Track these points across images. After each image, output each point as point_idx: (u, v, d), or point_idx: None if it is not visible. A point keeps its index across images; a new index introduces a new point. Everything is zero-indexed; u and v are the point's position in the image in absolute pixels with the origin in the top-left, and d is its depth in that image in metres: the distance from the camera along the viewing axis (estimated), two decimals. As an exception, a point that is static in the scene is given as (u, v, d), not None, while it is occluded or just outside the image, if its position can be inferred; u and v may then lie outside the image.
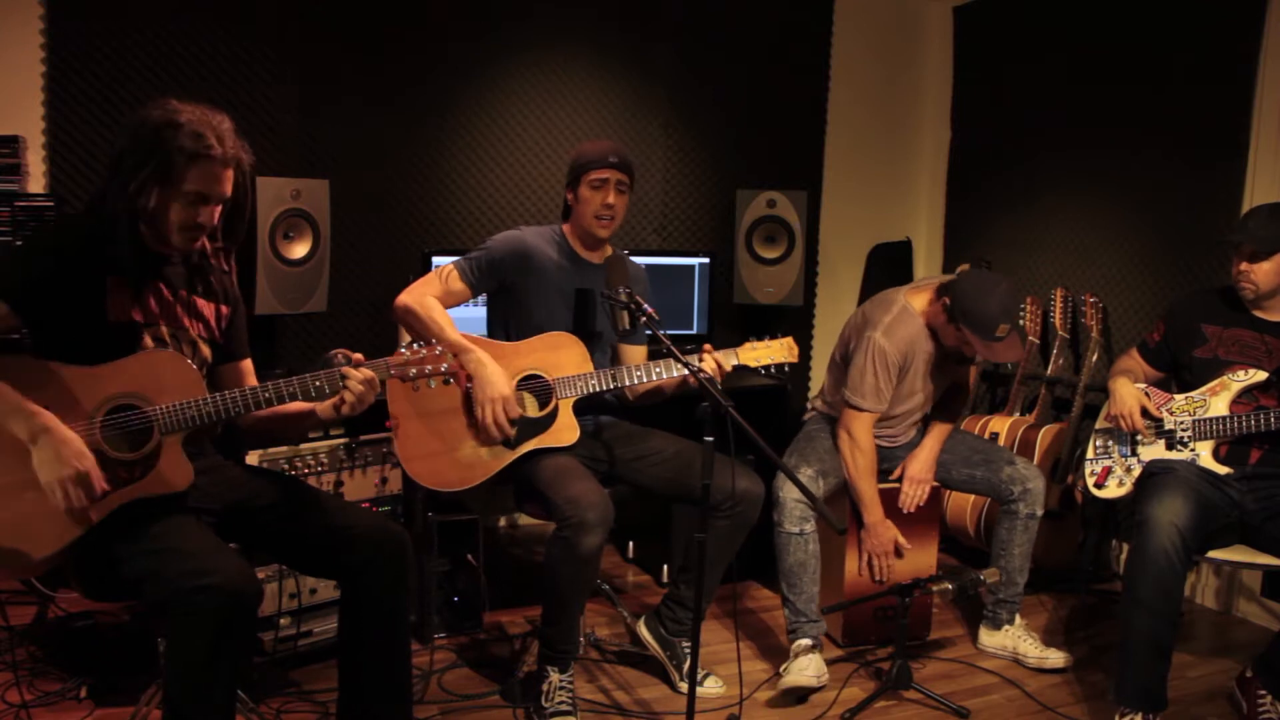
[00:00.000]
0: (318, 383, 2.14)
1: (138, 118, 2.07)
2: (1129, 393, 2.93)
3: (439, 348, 2.24)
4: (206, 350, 2.24)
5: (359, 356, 2.19)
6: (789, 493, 2.98)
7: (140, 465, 2.04)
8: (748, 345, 2.79)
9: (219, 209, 2.14)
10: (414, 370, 2.21)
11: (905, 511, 3.14)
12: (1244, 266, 2.78)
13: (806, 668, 2.89)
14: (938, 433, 3.21)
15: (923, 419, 3.27)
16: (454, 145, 4.04)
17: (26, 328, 2.04)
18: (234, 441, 2.73)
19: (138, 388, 2.06)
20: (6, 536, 1.95)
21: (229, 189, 2.12)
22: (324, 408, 2.23)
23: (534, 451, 2.73)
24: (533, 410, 2.74)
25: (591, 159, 2.81)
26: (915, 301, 3.05)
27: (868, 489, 3.05)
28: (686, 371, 2.44)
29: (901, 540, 3.12)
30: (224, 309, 2.31)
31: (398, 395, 2.67)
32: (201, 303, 2.25)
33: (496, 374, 2.65)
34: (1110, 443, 3.02)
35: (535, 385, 2.75)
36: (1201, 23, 3.68)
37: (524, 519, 4.38)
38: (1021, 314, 4.15)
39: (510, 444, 2.71)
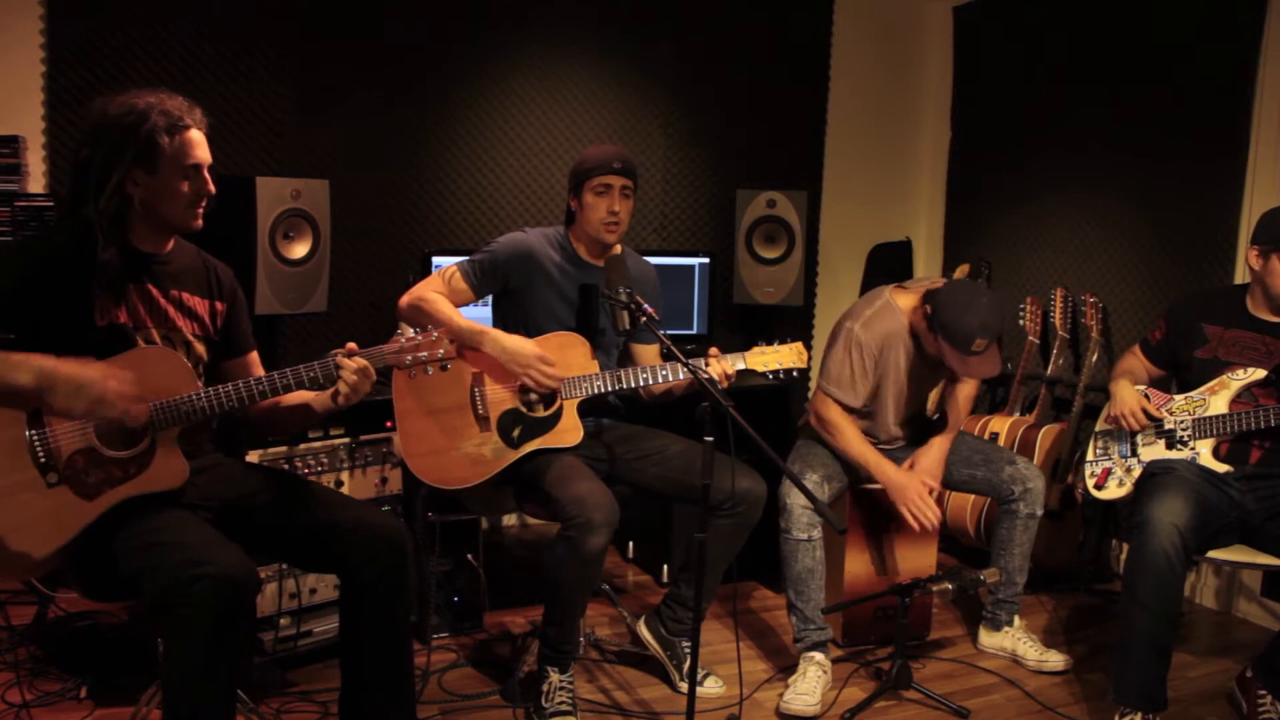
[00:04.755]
0: (312, 374, 2.13)
1: (93, 120, 2.07)
2: (1129, 394, 2.93)
3: (435, 334, 2.21)
4: (201, 348, 2.24)
5: (352, 345, 2.17)
6: (796, 499, 2.96)
7: (135, 463, 2.04)
8: (756, 349, 2.76)
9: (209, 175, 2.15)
10: (410, 357, 2.18)
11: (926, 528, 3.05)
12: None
13: (807, 694, 2.85)
14: (946, 435, 3.14)
15: (910, 423, 3.24)
16: (454, 145, 4.04)
17: (12, 333, 2.03)
18: (234, 440, 2.73)
19: None
20: (3, 539, 1.95)
21: (209, 152, 2.14)
22: (321, 400, 2.23)
23: (536, 451, 2.72)
24: (537, 410, 2.74)
25: (594, 165, 2.79)
26: (901, 300, 3.03)
27: (866, 453, 2.98)
28: (690, 371, 2.43)
29: (930, 480, 2.97)
30: (219, 305, 2.29)
31: (402, 391, 2.68)
32: (194, 300, 2.24)
33: (518, 341, 2.66)
34: (1110, 444, 3.02)
35: None
36: (1202, 22, 3.68)
37: (533, 518, 4.38)
38: (1021, 314, 4.15)
39: (514, 443, 2.71)
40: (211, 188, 2.14)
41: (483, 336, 2.67)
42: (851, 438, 3.00)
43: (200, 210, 2.15)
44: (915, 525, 2.97)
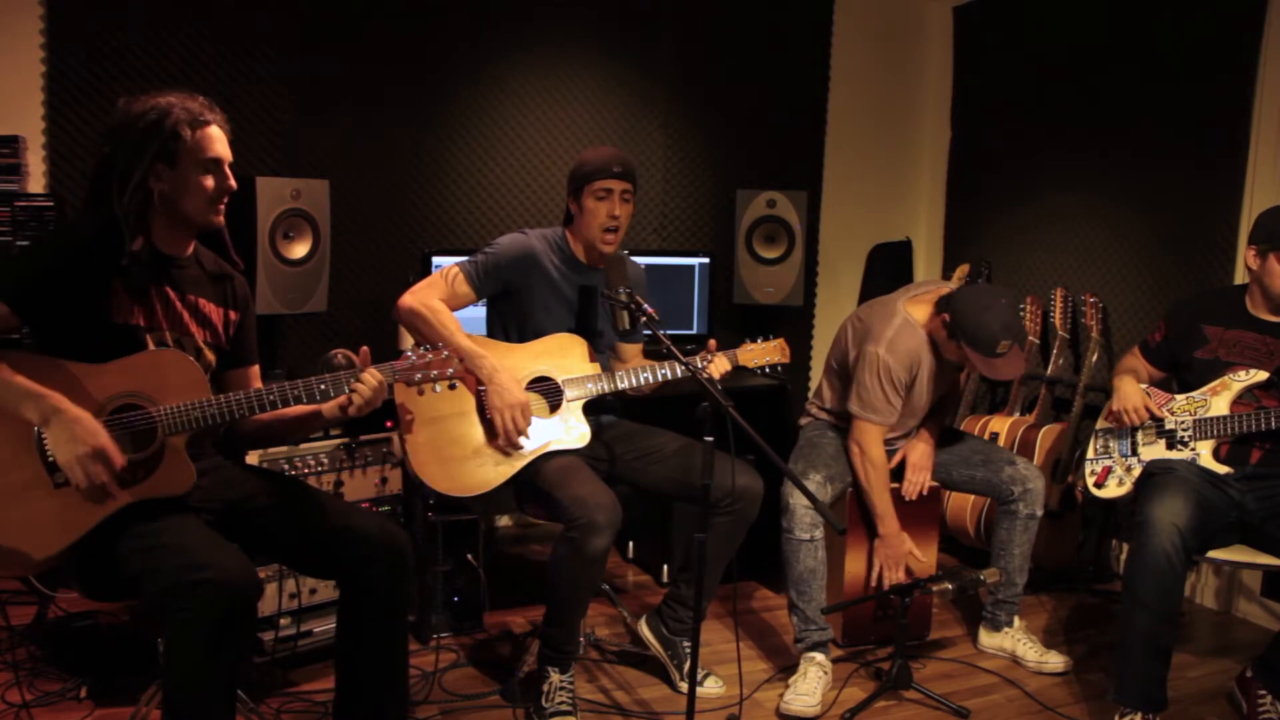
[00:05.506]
0: (323, 386, 2.13)
1: (116, 119, 2.09)
2: (1132, 389, 2.93)
3: (445, 352, 2.22)
4: (211, 356, 2.23)
5: (366, 349, 2.18)
6: (798, 499, 2.96)
7: (143, 466, 2.03)
8: (745, 347, 2.86)
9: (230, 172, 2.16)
10: (419, 375, 2.20)
11: (908, 500, 3.12)
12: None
13: (807, 694, 2.86)
14: (932, 427, 3.20)
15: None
16: (454, 145, 4.04)
17: (28, 328, 2.04)
18: (234, 443, 2.73)
19: (142, 387, 2.05)
20: (9, 537, 1.95)
21: (230, 151, 2.16)
22: (329, 408, 2.22)
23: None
24: (542, 413, 2.74)
25: (594, 169, 2.77)
26: (915, 312, 3.01)
27: (882, 502, 3.03)
28: (690, 371, 2.45)
29: (917, 554, 3.10)
30: (233, 314, 2.29)
31: (407, 400, 2.66)
32: (209, 307, 2.24)
33: (510, 381, 2.64)
34: (1110, 443, 3.02)
35: (545, 387, 2.75)
36: (1202, 22, 3.68)
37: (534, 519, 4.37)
38: (1021, 314, 4.14)
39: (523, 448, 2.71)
40: (232, 184, 2.15)
41: (479, 362, 2.65)
42: (877, 482, 3.02)
43: (221, 207, 2.16)
44: (875, 576, 3.10)
